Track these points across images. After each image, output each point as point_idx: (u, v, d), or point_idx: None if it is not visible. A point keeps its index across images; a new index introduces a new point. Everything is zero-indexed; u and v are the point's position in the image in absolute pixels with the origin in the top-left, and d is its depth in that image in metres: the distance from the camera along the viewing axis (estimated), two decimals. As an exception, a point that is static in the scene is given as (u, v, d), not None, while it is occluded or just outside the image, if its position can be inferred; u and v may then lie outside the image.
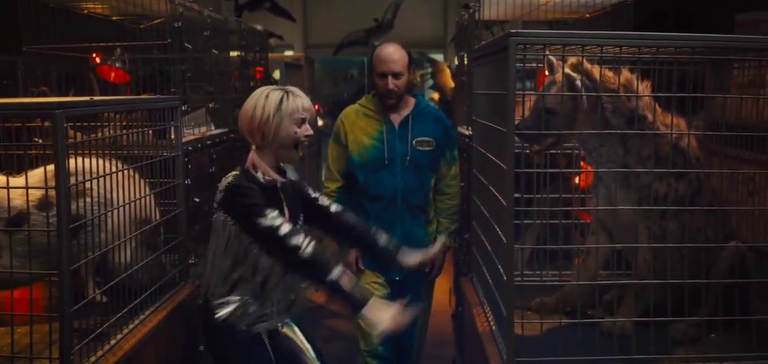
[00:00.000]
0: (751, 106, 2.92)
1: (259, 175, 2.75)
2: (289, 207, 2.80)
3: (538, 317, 2.86)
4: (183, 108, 3.83)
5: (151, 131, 3.59)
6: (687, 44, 2.35)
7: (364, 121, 3.80)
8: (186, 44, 3.90)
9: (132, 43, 4.23)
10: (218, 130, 4.60)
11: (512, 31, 2.29)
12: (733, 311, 2.61)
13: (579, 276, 3.07)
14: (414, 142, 3.78)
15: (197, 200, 3.87)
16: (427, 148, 3.80)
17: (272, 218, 2.63)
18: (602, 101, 2.64)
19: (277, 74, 7.23)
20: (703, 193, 2.85)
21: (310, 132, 2.83)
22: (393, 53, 3.68)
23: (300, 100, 2.78)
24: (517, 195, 2.46)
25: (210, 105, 4.44)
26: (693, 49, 2.46)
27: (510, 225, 2.45)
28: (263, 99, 2.74)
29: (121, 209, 3.00)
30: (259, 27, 10.04)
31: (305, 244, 2.62)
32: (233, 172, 2.78)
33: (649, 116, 2.72)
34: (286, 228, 2.63)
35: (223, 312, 2.73)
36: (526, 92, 2.66)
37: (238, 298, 2.74)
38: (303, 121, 2.78)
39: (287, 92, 2.77)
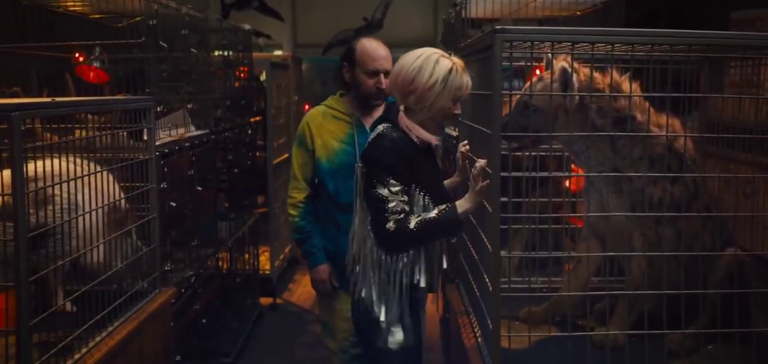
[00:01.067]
0: (749, 107, 2.79)
1: (412, 136, 2.63)
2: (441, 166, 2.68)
3: (526, 327, 2.72)
4: (158, 109, 3.69)
5: (125, 133, 3.45)
6: (683, 42, 2.21)
7: (333, 124, 3.49)
8: (161, 43, 3.73)
9: (105, 42, 4.06)
10: (198, 132, 4.46)
11: (498, 27, 2.15)
12: (732, 321, 2.48)
13: (569, 284, 2.95)
14: None
15: (173, 204, 3.72)
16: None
17: (391, 191, 2.54)
18: (586, 101, 2.50)
19: (263, 76, 7.06)
20: (699, 197, 2.73)
21: (460, 111, 2.70)
22: (383, 50, 3.43)
23: (466, 78, 2.63)
24: (504, 199, 2.33)
25: (189, 106, 4.28)
26: (689, 48, 2.33)
27: (496, 232, 2.31)
28: (433, 64, 2.59)
29: (91, 212, 2.85)
30: (247, 26, 9.93)
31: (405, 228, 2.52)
32: (387, 125, 2.66)
33: (639, 117, 2.59)
34: (394, 204, 2.53)
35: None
36: (514, 92, 2.51)
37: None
38: (459, 99, 2.64)
39: (455, 63, 2.62)
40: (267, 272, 6.89)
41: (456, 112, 2.66)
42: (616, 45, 2.24)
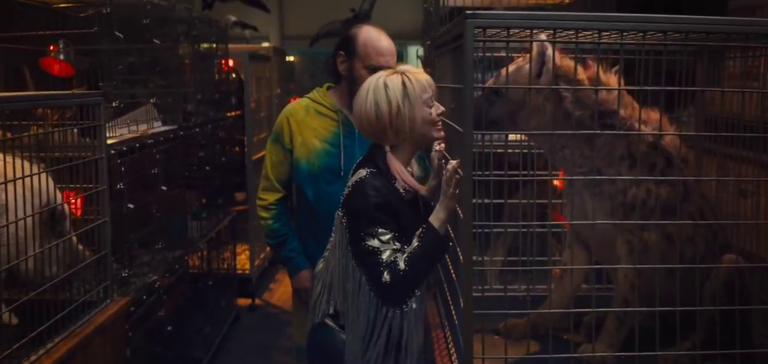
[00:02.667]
0: (749, 101, 2.54)
1: (399, 185, 2.39)
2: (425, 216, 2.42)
3: (503, 343, 2.47)
4: (115, 104, 3.43)
5: (76, 131, 3.19)
6: (678, 29, 1.96)
7: (316, 120, 3.08)
8: (117, 33, 3.46)
9: (56, 32, 3.79)
10: (163, 128, 4.19)
11: (469, 12, 1.90)
12: (732, 335, 2.23)
13: (554, 295, 2.71)
14: None
15: (131, 206, 3.46)
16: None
17: (381, 241, 2.31)
18: (560, 92, 2.26)
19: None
20: (690, 198, 2.48)
21: (442, 109, 2.44)
22: (389, 44, 3.01)
23: (422, 77, 2.40)
24: (486, 201, 2.08)
25: (153, 100, 4.02)
26: (686, 36, 2.08)
27: (468, 240, 2.06)
28: (384, 89, 2.36)
29: (18, 215, 2.59)
30: (232, 18, 9.66)
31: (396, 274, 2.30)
32: (369, 169, 2.41)
33: (622, 112, 2.33)
34: (387, 254, 2.31)
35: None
36: (489, 87, 2.26)
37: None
38: (431, 100, 2.40)
39: (403, 73, 2.39)
40: (246, 271, 6.65)
41: (439, 111, 2.43)
42: (603, 32, 1.98)
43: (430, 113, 2.39)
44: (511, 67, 2.37)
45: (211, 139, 5.24)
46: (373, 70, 2.95)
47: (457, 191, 2.25)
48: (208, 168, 4.96)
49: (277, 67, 8.10)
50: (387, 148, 2.42)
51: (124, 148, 3.48)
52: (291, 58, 14.14)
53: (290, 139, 3.10)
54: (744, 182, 2.68)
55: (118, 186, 3.36)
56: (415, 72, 2.42)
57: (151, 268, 3.94)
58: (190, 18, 4.67)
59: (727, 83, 2.96)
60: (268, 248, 7.23)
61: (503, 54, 3.08)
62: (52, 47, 4.25)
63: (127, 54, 3.91)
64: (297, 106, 3.18)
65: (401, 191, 2.40)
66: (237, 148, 6.74)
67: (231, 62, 6.72)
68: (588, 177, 2.33)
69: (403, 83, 2.37)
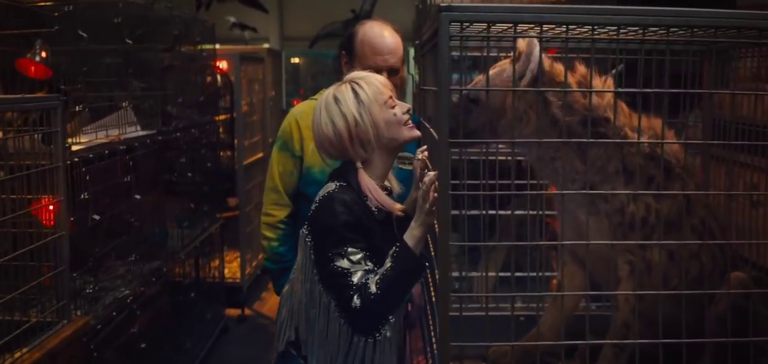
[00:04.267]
0: (761, 104, 2.29)
1: (371, 203, 2.17)
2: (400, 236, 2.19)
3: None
4: (78, 109, 3.21)
5: (38, 136, 2.98)
6: (683, 23, 1.72)
7: None
8: (81, 33, 3.23)
9: (23, 31, 3.57)
10: (140, 133, 3.97)
11: (444, 4, 1.66)
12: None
13: (547, 315, 2.47)
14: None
15: (97, 217, 3.23)
16: (408, 167, 2.78)
17: (352, 262, 2.09)
18: (546, 97, 2.02)
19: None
20: (693, 210, 2.24)
21: (407, 106, 2.22)
22: (390, 41, 2.74)
23: (374, 79, 2.19)
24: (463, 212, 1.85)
25: (125, 104, 3.80)
26: (691, 32, 1.83)
27: (446, 260, 1.82)
28: (335, 106, 2.16)
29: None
30: (232, 19, 9.45)
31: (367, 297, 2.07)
32: (339, 183, 2.19)
33: (611, 115, 2.08)
34: (358, 277, 2.08)
35: None
36: (467, 89, 2.02)
37: None
38: (392, 99, 2.19)
39: (352, 81, 2.19)
40: (237, 280, 6.43)
41: (405, 109, 2.20)
42: (597, 28, 1.74)
43: (394, 114, 2.16)
44: (492, 71, 2.12)
45: (196, 144, 5.01)
46: (374, 70, 2.74)
47: (434, 207, 2.02)
48: (190, 174, 4.73)
49: (272, 69, 7.88)
50: (358, 164, 2.19)
51: (91, 155, 3.25)
52: (296, 60, 13.95)
53: (300, 146, 2.80)
54: (753, 189, 2.44)
55: (83, 196, 3.12)
56: (365, 76, 2.20)
57: (125, 281, 3.72)
58: (171, 17, 4.44)
59: (736, 85, 2.71)
60: (260, 256, 7.00)
61: (494, 53, 2.91)
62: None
63: (98, 55, 3.69)
64: (306, 108, 2.86)
65: (373, 209, 2.17)
66: (228, 153, 6.53)
67: (224, 64, 6.51)
68: (580, 192, 2.08)
69: (354, 91, 2.15)
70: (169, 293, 4.35)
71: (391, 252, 2.10)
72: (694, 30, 1.83)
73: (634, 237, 2.12)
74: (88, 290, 3.17)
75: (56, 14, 3.84)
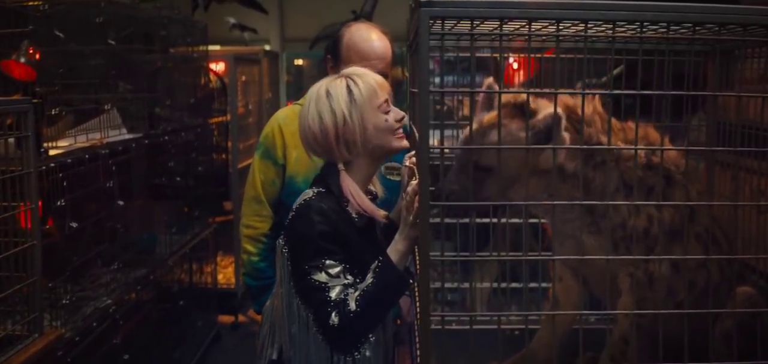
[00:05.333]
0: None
1: (351, 209, 2.04)
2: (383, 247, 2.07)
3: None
4: (55, 112, 3.09)
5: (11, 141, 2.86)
6: (687, 18, 1.58)
7: None
8: (57, 33, 3.10)
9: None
10: (125, 136, 3.84)
11: (425, 0, 1.53)
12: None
13: (542, 331, 2.33)
14: (383, 168, 2.69)
15: (74, 225, 3.11)
16: (396, 178, 2.70)
17: (329, 275, 1.97)
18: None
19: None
20: (698, 217, 2.09)
21: (402, 114, 2.10)
22: (378, 46, 2.62)
23: (371, 79, 2.06)
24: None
25: (107, 107, 3.67)
26: (694, 30, 1.69)
27: (425, 277, 1.69)
28: (326, 98, 2.03)
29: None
30: (232, 20, 9.33)
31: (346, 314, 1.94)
32: (317, 189, 2.07)
33: (605, 139, 1.93)
34: (336, 292, 1.95)
35: None
36: (448, 90, 1.87)
37: None
38: (387, 104, 2.06)
39: (348, 77, 2.06)
40: (231, 285, 6.30)
41: (398, 118, 2.08)
42: (590, 24, 1.60)
43: (386, 120, 2.04)
44: (492, 134, 1.90)
45: (186, 147, 4.88)
46: None
47: (411, 219, 1.90)
48: (179, 178, 4.60)
49: (269, 70, 7.75)
50: (341, 166, 2.06)
51: (69, 160, 3.13)
52: (300, 62, 13.85)
53: (283, 153, 2.68)
54: (761, 196, 2.29)
55: (59, 203, 2.99)
56: (364, 74, 2.08)
57: (108, 290, 3.59)
58: (158, 18, 4.31)
59: (741, 87, 2.57)
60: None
61: (487, 53, 2.77)
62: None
63: (79, 57, 3.57)
64: (290, 113, 2.75)
65: (354, 216, 2.04)
66: (223, 156, 6.40)
67: (222, 66, 6.39)
68: (572, 202, 1.94)
69: (349, 88, 2.03)
70: (157, 300, 4.22)
71: (373, 267, 1.97)
72: (697, 28, 1.69)
73: (636, 250, 1.98)
74: (64, 301, 3.03)
75: (37, 14, 3.74)
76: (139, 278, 3.92)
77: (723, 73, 2.37)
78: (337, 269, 1.97)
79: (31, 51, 3.80)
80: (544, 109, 1.86)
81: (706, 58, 2.48)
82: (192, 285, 4.94)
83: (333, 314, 1.93)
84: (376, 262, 1.97)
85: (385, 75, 2.61)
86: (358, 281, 1.99)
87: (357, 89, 2.02)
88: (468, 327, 2.20)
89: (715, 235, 2.16)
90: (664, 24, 1.60)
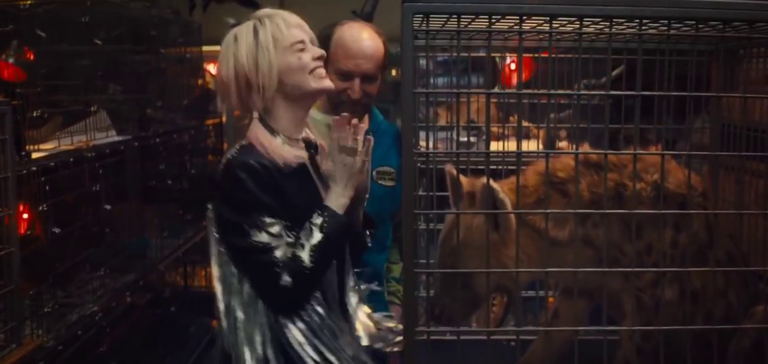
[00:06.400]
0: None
1: (275, 157, 1.96)
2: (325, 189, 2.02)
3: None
4: (35, 115, 3.00)
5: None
6: (690, 15, 1.47)
7: None
8: (39, 32, 3.01)
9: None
10: (113, 138, 3.75)
11: (407, -5, 1.43)
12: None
13: (538, 345, 2.23)
14: (374, 173, 2.59)
15: (56, 230, 3.01)
16: (389, 184, 2.63)
17: (271, 234, 1.88)
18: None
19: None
20: (716, 241, 1.95)
21: (321, 52, 2.02)
22: (367, 45, 2.53)
23: (279, 19, 1.98)
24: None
25: (93, 108, 3.58)
26: (696, 27, 1.59)
27: (410, 289, 1.59)
28: (232, 45, 1.95)
29: None
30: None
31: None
32: (240, 145, 1.99)
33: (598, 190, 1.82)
34: (281, 251, 1.88)
35: None
36: (433, 91, 1.77)
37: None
38: (302, 43, 1.98)
39: (257, 19, 1.98)
40: (227, 289, 6.19)
41: (317, 56, 2.01)
42: (586, 20, 1.50)
43: (299, 58, 1.95)
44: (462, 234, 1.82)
45: (180, 150, 4.79)
46: (342, 76, 2.52)
47: (364, 162, 1.94)
48: (170, 181, 4.51)
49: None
50: (255, 115, 2.00)
51: (52, 164, 3.04)
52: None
53: None
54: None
55: (41, 208, 2.90)
56: (274, 14, 2.00)
57: (95, 297, 3.49)
58: (149, 17, 4.22)
59: (746, 87, 2.46)
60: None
61: (483, 53, 2.67)
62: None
63: (66, 57, 3.48)
64: None
65: (280, 163, 1.95)
66: (219, 158, 6.31)
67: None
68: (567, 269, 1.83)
69: (255, 30, 1.95)
70: (147, 305, 4.13)
71: (319, 224, 1.91)
72: (699, 26, 1.59)
73: (647, 277, 1.87)
74: (46, 309, 2.93)
75: (20, 14, 3.65)
76: (128, 284, 3.82)
77: (727, 73, 2.26)
78: (278, 228, 1.89)
79: (25, 51, 3.74)
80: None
81: (711, 57, 2.38)
82: (186, 289, 4.85)
83: (284, 274, 1.86)
84: (322, 218, 1.91)
85: (373, 76, 2.51)
86: (300, 238, 1.91)
87: (264, 31, 1.94)
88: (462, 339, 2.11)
89: (736, 260, 2.02)
90: (665, 21, 1.50)
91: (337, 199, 1.94)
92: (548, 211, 1.62)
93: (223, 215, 1.94)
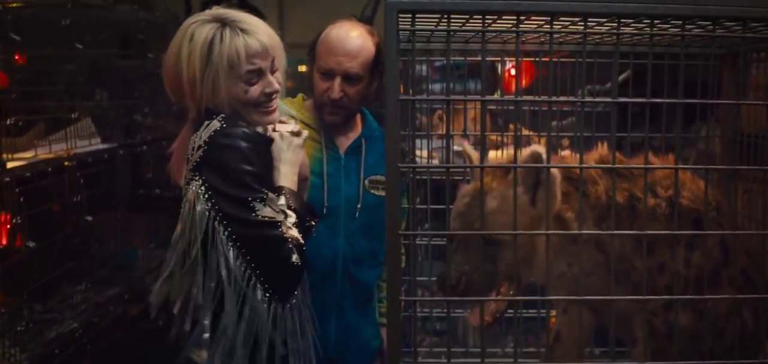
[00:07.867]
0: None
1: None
2: None
3: None
4: (9, 122, 2.87)
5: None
6: (704, 13, 1.32)
7: None
8: (12, 35, 2.86)
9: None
10: (93, 147, 3.60)
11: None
12: None
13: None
14: (367, 181, 2.46)
15: (32, 244, 2.87)
16: (382, 194, 2.45)
17: (277, 207, 1.77)
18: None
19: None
20: (732, 260, 1.80)
21: (276, 86, 1.86)
22: (352, 44, 2.37)
23: (242, 40, 1.79)
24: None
25: (74, 115, 3.44)
26: (713, 28, 1.44)
27: (395, 305, 1.44)
28: (186, 43, 1.79)
29: None
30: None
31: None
32: (222, 116, 1.82)
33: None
34: (290, 223, 1.78)
35: None
36: (419, 98, 1.63)
37: None
38: (258, 73, 1.81)
39: (224, 25, 1.79)
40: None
41: (269, 90, 1.86)
42: (591, 20, 1.35)
43: (246, 91, 1.80)
44: (495, 202, 1.70)
45: (168, 157, 4.64)
46: (324, 75, 2.37)
47: (298, 139, 1.86)
48: (158, 190, 4.36)
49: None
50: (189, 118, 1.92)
51: (28, 174, 2.89)
52: (303, 69, 13.64)
53: None
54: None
55: (15, 220, 2.76)
56: (241, 32, 1.80)
57: (76, 312, 3.34)
58: (135, 20, 4.07)
59: (756, 93, 2.31)
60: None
61: (478, 58, 2.52)
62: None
63: (51, 62, 3.35)
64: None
65: (263, 133, 1.92)
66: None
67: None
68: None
69: (212, 43, 1.77)
70: (134, 319, 3.98)
71: (284, 204, 1.81)
72: (716, 27, 1.43)
73: (661, 303, 1.73)
74: (18, 328, 2.79)
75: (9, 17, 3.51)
76: (113, 297, 3.67)
77: (743, 79, 2.11)
78: (282, 201, 1.78)
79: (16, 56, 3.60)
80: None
81: (722, 62, 2.22)
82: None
83: (294, 255, 1.75)
84: (285, 197, 1.81)
85: (356, 76, 2.36)
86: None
87: (220, 49, 1.77)
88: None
89: (752, 278, 1.87)
90: (679, 20, 1.34)
91: (283, 175, 1.85)
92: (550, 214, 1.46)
93: (220, 187, 1.76)
